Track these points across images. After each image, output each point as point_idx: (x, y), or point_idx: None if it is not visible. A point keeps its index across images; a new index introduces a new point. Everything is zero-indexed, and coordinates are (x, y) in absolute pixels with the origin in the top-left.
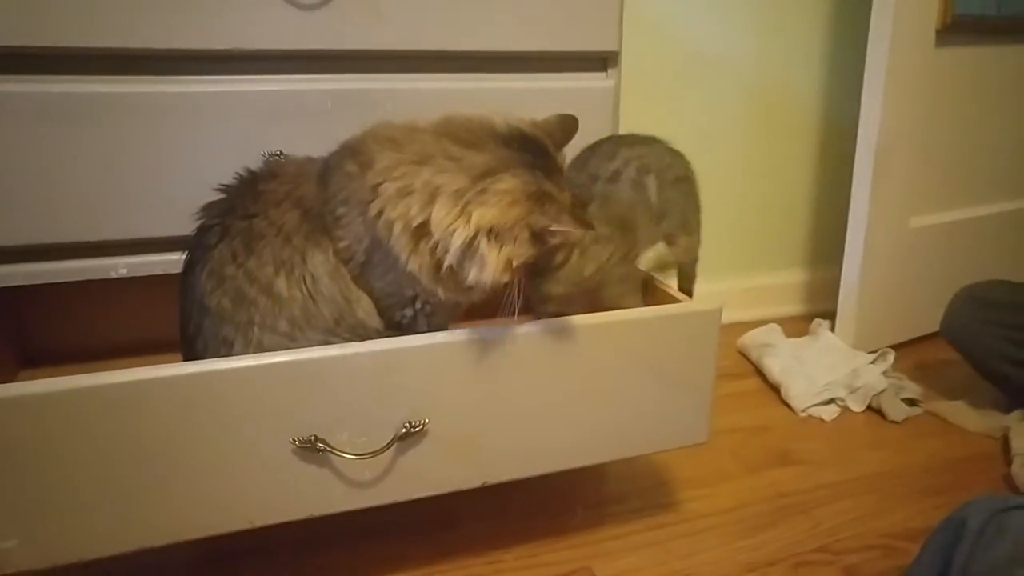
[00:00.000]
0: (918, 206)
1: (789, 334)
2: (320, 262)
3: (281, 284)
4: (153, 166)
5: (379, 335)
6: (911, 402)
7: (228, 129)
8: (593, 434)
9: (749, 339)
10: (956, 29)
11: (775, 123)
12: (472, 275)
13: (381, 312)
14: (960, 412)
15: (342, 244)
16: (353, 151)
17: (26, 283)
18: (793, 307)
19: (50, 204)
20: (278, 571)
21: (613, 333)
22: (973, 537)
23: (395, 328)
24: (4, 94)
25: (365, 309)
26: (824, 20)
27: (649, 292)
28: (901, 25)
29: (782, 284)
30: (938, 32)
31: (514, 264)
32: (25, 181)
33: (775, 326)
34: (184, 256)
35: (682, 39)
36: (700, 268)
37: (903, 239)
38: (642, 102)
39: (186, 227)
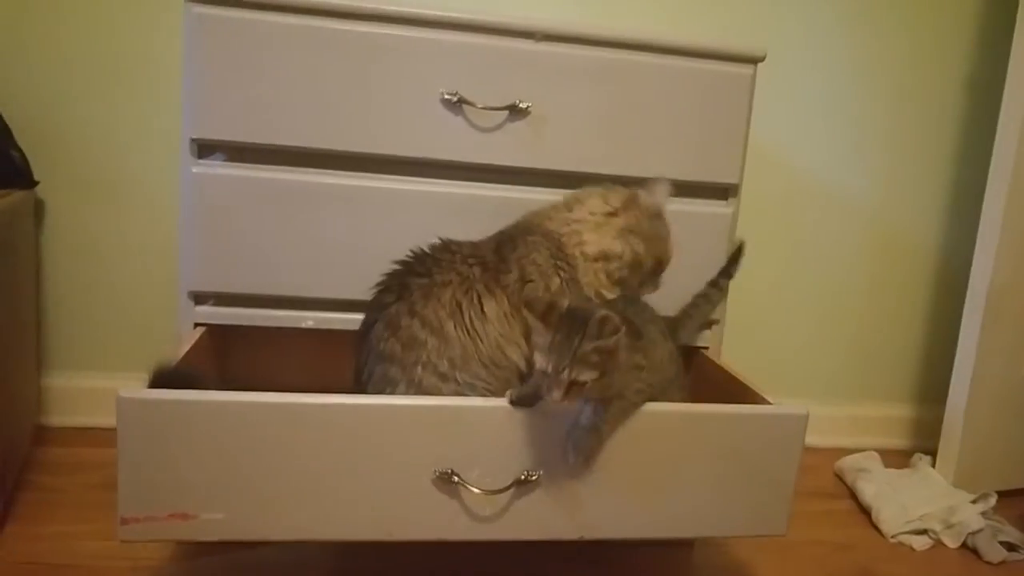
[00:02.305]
0: None
1: (888, 465)
2: (492, 307)
3: (450, 326)
4: (351, 242)
5: (521, 374)
6: (1010, 547)
7: (410, 219)
8: (683, 509)
9: (847, 463)
10: None
11: (893, 259)
12: None
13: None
14: None
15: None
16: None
17: (240, 323)
18: (897, 441)
19: (269, 262)
20: None
21: (709, 424)
22: None
23: None
24: (251, 179)
25: (518, 352)
26: (947, 162)
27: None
28: (1021, 170)
29: (888, 416)
30: None
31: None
32: (257, 243)
33: (874, 453)
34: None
35: (805, 171)
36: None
37: (1012, 385)
38: (759, 228)
39: (366, 293)
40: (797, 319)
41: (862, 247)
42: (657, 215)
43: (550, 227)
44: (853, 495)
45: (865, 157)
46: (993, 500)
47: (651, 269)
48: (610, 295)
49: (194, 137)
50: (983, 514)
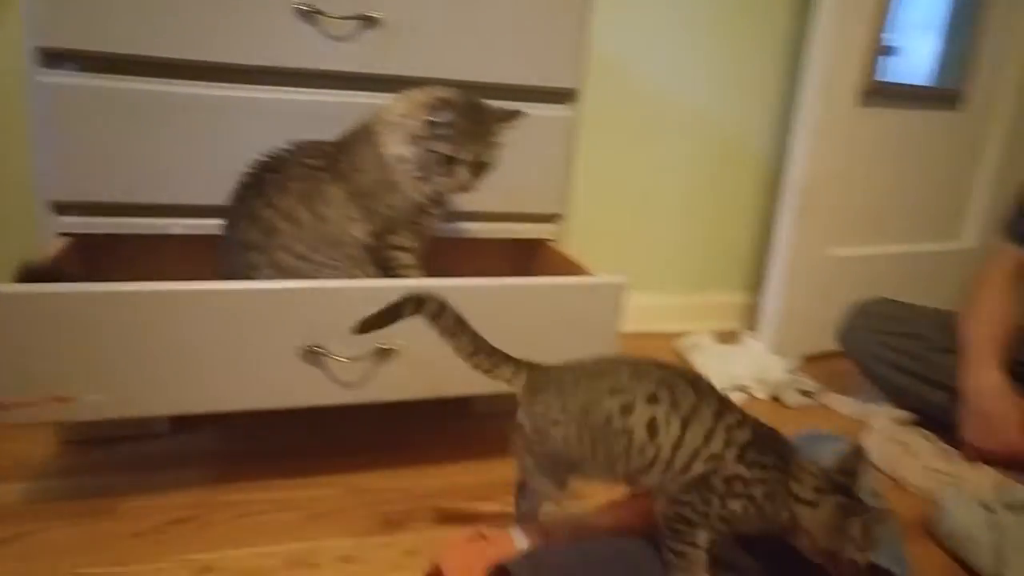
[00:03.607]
0: (836, 239)
1: (723, 343)
2: (334, 193)
3: (301, 212)
4: (212, 150)
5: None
6: (807, 394)
7: (268, 126)
8: None
9: (685, 342)
10: (875, 93)
11: (729, 163)
12: None
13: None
14: (841, 403)
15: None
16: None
17: (108, 232)
18: (733, 323)
19: (130, 171)
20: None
21: (542, 293)
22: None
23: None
24: (106, 89)
25: (359, 229)
26: (778, 75)
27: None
28: (827, 85)
29: (725, 302)
30: (859, 94)
31: None
32: (116, 153)
33: (708, 333)
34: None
35: (645, 81)
36: (654, 282)
37: (820, 266)
38: (604, 136)
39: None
40: (644, 218)
41: (701, 151)
42: (465, 115)
43: (373, 127)
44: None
45: (705, 69)
46: (797, 361)
47: (450, 171)
48: (420, 198)
49: (39, 46)
50: (788, 371)
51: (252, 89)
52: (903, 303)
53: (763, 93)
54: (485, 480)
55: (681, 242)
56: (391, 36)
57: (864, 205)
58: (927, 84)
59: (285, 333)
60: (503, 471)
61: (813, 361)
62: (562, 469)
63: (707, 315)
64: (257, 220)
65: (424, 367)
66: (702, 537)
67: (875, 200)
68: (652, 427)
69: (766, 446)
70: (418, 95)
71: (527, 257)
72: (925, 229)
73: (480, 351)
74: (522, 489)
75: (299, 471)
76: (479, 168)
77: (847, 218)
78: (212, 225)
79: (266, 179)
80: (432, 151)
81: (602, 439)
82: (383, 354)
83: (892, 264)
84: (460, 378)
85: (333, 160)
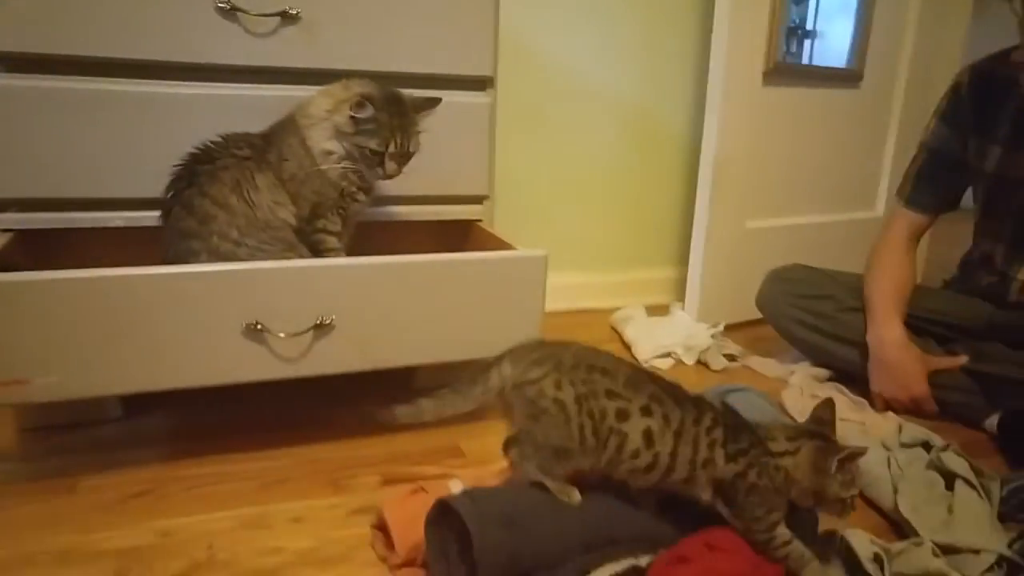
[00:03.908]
0: (753, 212)
1: (653, 315)
2: (262, 179)
3: (233, 199)
4: (144, 145)
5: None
6: (731, 357)
7: (197, 121)
8: (451, 340)
9: (617, 315)
10: (779, 72)
11: (651, 144)
12: None
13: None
14: (762, 364)
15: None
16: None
17: (48, 227)
18: (663, 297)
19: (66, 168)
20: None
21: (469, 268)
22: None
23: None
24: (35, 88)
25: (287, 212)
26: (692, 58)
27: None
28: (733, 66)
29: (654, 278)
30: (764, 74)
31: None
32: (49, 150)
33: (639, 306)
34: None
35: (565, 65)
36: (589, 262)
37: (739, 238)
38: (529, 122)
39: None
40: (574, 201)
41: (623, 133)
42: (387, 108)
43: (298, 120)
44: (622, 339)
45: (622, 52)
46: (721, 327)
47: (378, 161)
48: (348, 187)
49: None
50: (712, 336)
51: (179, 85)
52: (815, 268)
53: (680, 73)
54: (427, 447)
55: (610, 222)
56: (311, 31)
57: (778, 179)
58: (834, 65)
59: (228, 313)
60: (444, 438)
61: (737, 328)
62: (545, 454)
63: (641, 291)
64: (192, 209)
65: (361, 341)
66: (779, 532)
67: (788, 174)
68: (648, 437)
69: (737, 431)
70: (339, 91)
71: (458, 238)
72: (839, 200)
73: (461, 387)
74: (511, 442)
75: (250, 445)
76: (405, 158)
77: (762, 192)
78: (150, 217)
79: (198, 170)
80: (359, 146)
81: (592, 430)
82: (322, 329)
83: (808, 234)
84: (396, 351)
85: (261, 151)
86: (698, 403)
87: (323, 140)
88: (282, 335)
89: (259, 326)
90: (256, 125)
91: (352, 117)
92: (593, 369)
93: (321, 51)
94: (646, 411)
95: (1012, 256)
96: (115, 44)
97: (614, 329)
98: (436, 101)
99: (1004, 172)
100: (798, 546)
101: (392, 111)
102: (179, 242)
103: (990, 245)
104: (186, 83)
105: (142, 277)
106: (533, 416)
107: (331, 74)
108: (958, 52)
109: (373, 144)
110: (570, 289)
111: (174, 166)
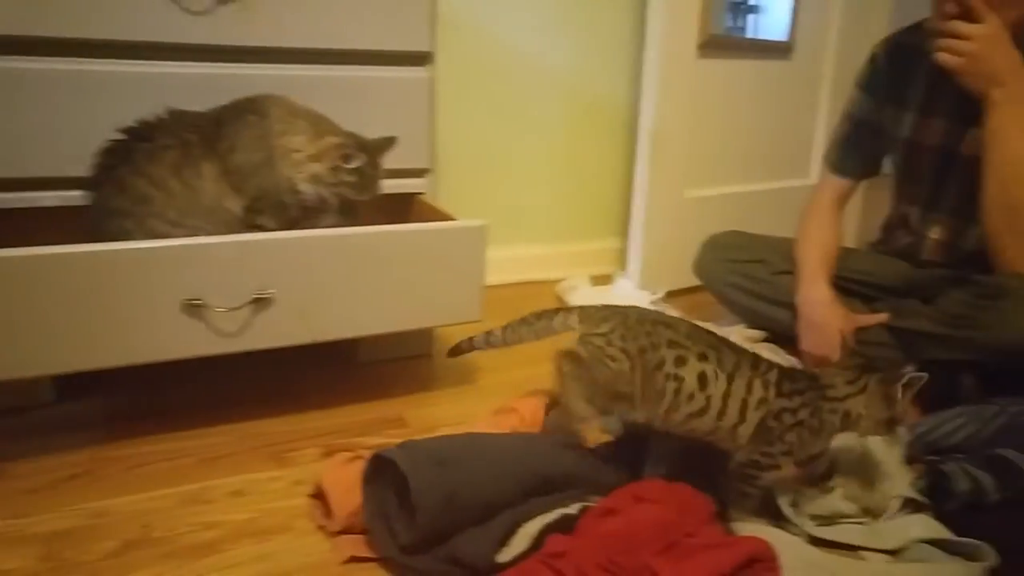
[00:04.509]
0: (691, 181)
1: (598, 285)
2: (208, 168)
3: (173, 182)
4: (80, 123)
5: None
6: None
7: (138, 99)
8: (393, 311)
9: (563, 284)
10: (712, 45)
11: (593, 119)
12: None
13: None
14: None
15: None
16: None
17: None
18: (608, 268)
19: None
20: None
21: (403, 240)
22: None
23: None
24: None
25: (234, 203)
26: (630, 35)
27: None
28: (668, 39)
29: (601, 248)
30: (699, 46)
31: None
32: None
33: (584, 276)
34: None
35: (503, 40)
36: (533, 234)
37: (678, 207)
38: (463, 97)
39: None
40: (516, 174)
41: (563, 106)
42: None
43: (269, 140)
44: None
45: (559, 25)
46: (662, 293)
47: (347, 209)
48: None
49: None
50: (652, 303)
51: (113, 63)
52: (748, 233)
53: (618, 46)
54: (368, 419)
55: (554, 194)
56: (247, 8)
57: (714, 149)
58: (777, 39)
59: (165, 289)
60: (385, 410)
61: (678, 295)
62: (605, 398)
63: (585, 261)
64: (125, 187)
65: (302, 314)
66: (767, 478)
67: (723, 144)
68: (703, 380)
69: (795, 376)
70: (330, 138)
71: (401, 212)
72: (775, 168)
73: (530, 320)
74: (552, 409)
75: (190, 423)
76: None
77: (699, 162)
78: (82, 197)
79: (134, 147)
80: (338, 195)
81: (651, 380)
82: (261, 303)
83: (745, 201)
84: (338, 323)
85: (208, 135)
86: (758, 356)
87: (299, 180)
88: (221, 310)
89: (197, 302)
90: (195, 104)
91: (337, 167)
92: (657, 323)
93: (257, 28)
94: (702, 357)
95: (925, 217)
96: (45, 22)
97: (560, 299)
98: (394, 140)
99: (917, 138)
100: (758, 500)
101: (372, 162)
102: (109, 220)
103: (906, 207)
104: (120, 61)
105: (77, 255)
106: (600, 363)
107: (270, 51)
108: (885, 24)
109: (354, 195)
110: (516, 262)
111: (107, 140)
